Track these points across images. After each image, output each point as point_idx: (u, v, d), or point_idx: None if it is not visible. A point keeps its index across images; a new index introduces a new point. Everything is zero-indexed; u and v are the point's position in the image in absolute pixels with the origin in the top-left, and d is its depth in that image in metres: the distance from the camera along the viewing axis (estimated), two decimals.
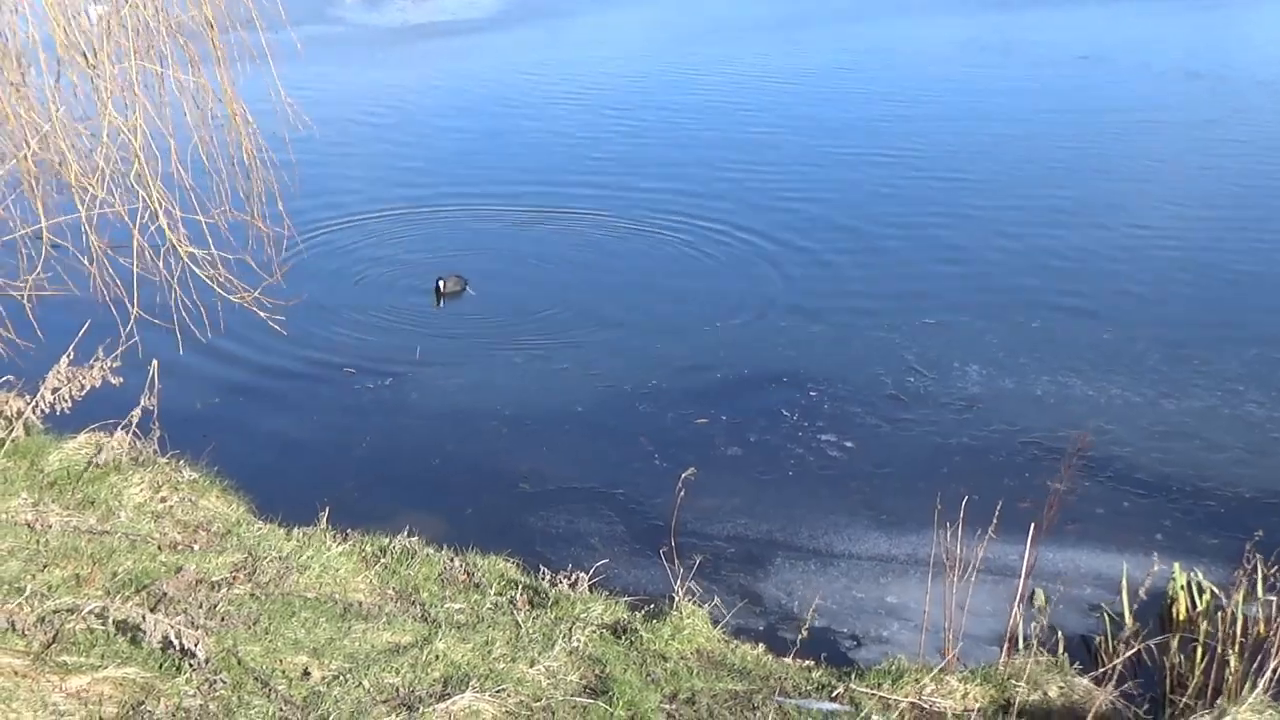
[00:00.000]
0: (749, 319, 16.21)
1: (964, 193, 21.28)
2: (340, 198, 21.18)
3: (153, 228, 7.61)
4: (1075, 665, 8.11)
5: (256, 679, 6.67)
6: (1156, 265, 17.67)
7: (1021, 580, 8.42)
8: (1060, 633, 9.27)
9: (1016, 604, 8.59)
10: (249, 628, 7.32)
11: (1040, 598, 9.68)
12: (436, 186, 22.69)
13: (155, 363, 9.60)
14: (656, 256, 18.77)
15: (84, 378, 9.66)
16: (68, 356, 9.60)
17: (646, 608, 8.49)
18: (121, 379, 9.79)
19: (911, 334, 15.48)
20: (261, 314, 8.33)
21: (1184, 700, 7.63)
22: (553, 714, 6.94)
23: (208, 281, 7.95)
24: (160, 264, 7.74)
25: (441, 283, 16.50)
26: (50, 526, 8.37)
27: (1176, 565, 9.80)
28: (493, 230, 20.40)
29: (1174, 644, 8.64)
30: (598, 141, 25.82)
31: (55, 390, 9.65)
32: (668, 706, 7.21)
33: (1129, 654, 7.86)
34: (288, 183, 8.65)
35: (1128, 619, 9.20)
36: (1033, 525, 8.20)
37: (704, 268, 18.26)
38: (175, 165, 7.85)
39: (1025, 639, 8.48)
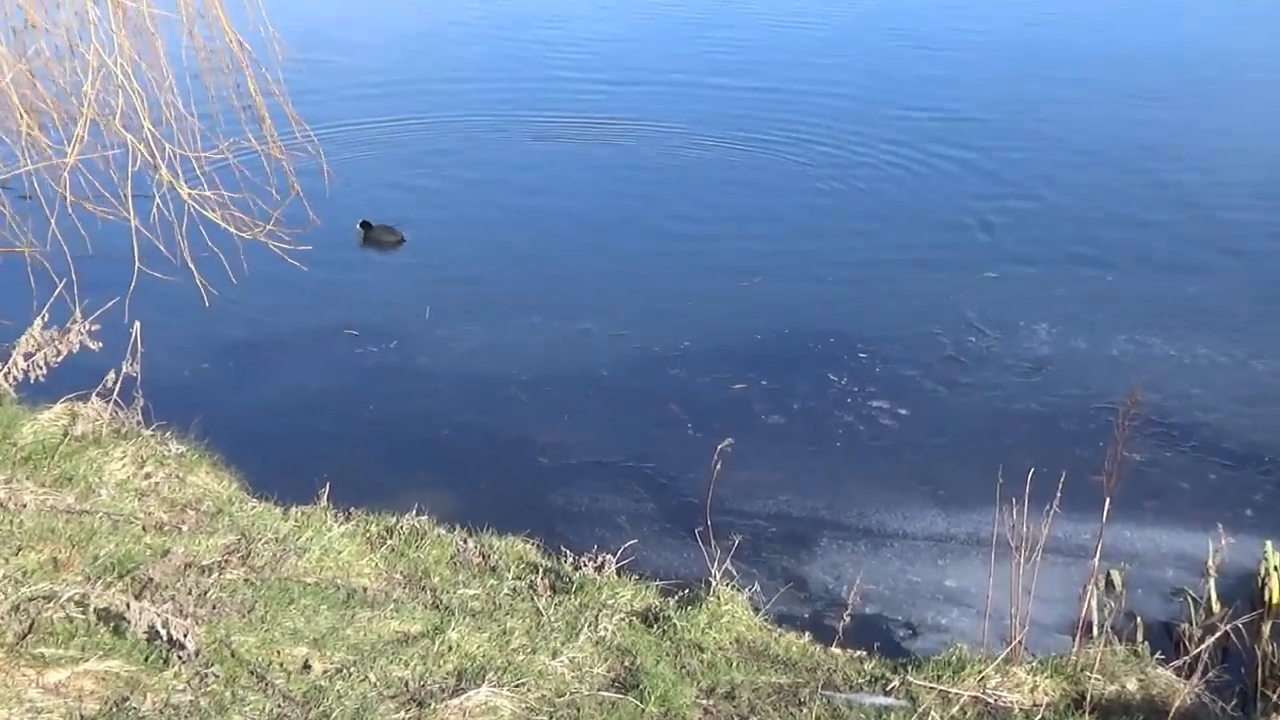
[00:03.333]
0: (792, 272, 16.32)
1: (1032, 130, 21.31)
2: (346, 124, 21.48)
3: (152, 175, 7.54)
4: (1155, 655, 8.15)
5: (252, 672, 6.67)
6: (1247, 213, 17.64)
7: (1095, 561, 8.36)
8: (1139, 619, 9.30)
9: (1089, 587, 8.48)
10: (243, 616, 7.32)
11: (1116, 580, 9.68)
12: (440, 97, 23.26)
13: (138, 325, 9.57)
14: (688, 193, 19.00)
15: (60, 342, 9.60)
16: (41, 319, 9.46)
17: (680, 593, 8.52)
18: (101, 344, 9.74)
19: (973, 288, 15.59)
20: (278, 249, 8.04)
21: (1277, 694, 7.61)
22: (578, 710, 6.95)
23: (220, 223, 7.79)
24: (156, 211, 7.65)
25: (366, 227, 16.56)
26: (25, 506, 8.35)
27: (1269, 544, 9.76)
28: (502, 149, 20.81)
29: (1265, 630, 8.64)
30: (627, 49, 26.22)
31: (28, 356, 9.57)
32: (704, 701, 7.20)
33: (1214, 642, 7.84)
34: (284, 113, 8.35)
35: (1214, 603, 9.22)
36: (1107, 500, 8.13)
37: (741, 212, 18.42)
38: (167, 102, 7.67)
39: (1099, 626, 8.42)
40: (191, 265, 7.72)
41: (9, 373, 9.58)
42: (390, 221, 17.55)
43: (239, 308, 14.38)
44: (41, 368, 9.55)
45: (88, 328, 9.56)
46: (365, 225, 16.91)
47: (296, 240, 8.08)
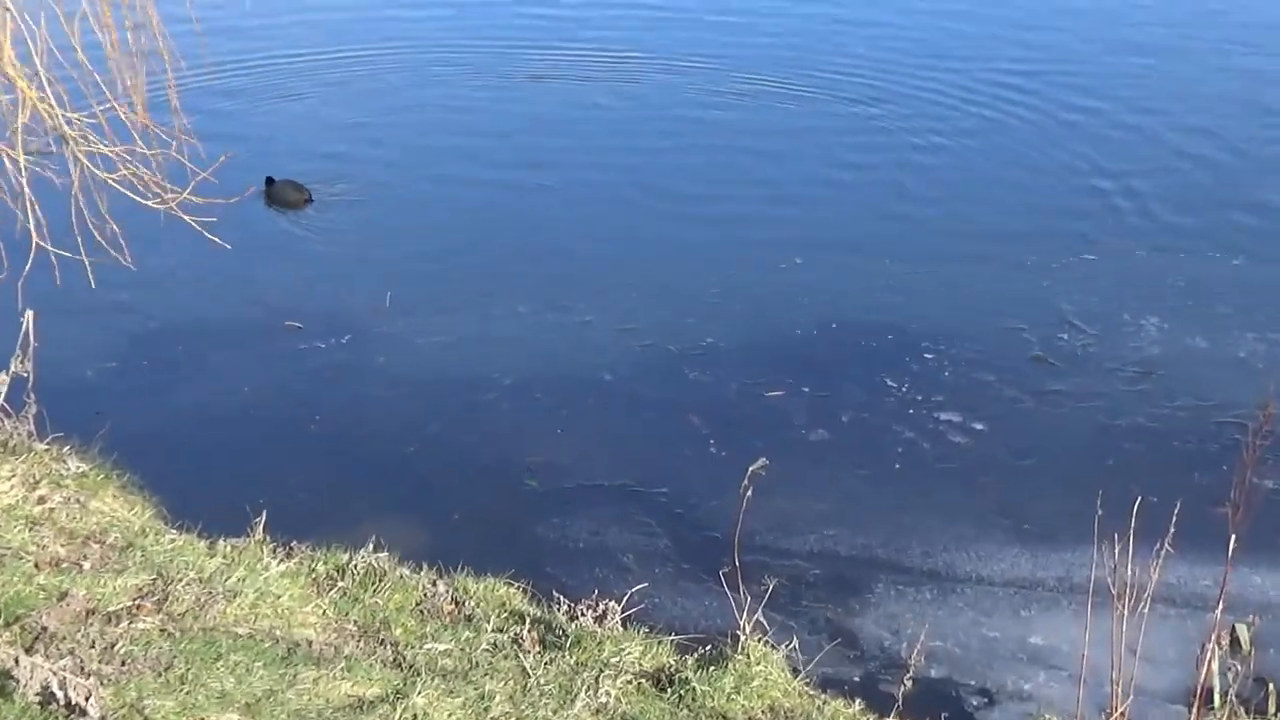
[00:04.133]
0: (842, 253, 16.36)
1: (1150, 88, 21.50)
2: (280, 58, 21.72)
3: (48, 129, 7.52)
4: None
5: None
6: None
7: (1217, 613, 8.32)
8: (1270, 686, 9.30)
9: (1210, 646, 8.31)
10: (159, 675, 7.24)
11: (1243, 637, 9.65)
12: (405, 24, 23.38)
13: (30, 314, 9.49)
14: (716, 153, 19.09)
15: None
16: None
17: (701, 650, 8.60)
18: None
19: (1067, 274, 15.65)
20: (193, 222, 7.90)
21: None
22: None
23: (117, 185, 7.72)
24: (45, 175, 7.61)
25: (270, 184, 16.81)
26: None
27: None
28: (485, 91, 20.87)
29: None
30: None
31: None
32: None
33: None
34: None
35: None
36: (1232, 538, 8.11)
37: (780, 178, 18.47)
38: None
39: (1222, 694, 8.47)
40: (101, 240, 7.67)
41: None
42: (336, 181, 17.77)
43: (155, 293, 14.63)
44: None
45: None
46: (270, 181, 17.00)
47: (222, 210, 8.08)
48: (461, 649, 8.40)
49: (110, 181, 7.43)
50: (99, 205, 7.49)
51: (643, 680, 8.23)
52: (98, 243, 7.68)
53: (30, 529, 8.96)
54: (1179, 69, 22.22)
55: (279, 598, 8.62)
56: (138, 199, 7.43)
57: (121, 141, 7.52)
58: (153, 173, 7.55)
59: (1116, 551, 8.05)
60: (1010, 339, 14.31)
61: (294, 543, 9.45)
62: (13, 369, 9.75)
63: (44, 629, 7.48)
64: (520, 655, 8.40)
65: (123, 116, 7.56)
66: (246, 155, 15.21)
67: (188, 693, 7.21)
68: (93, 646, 7.46)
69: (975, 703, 9.64)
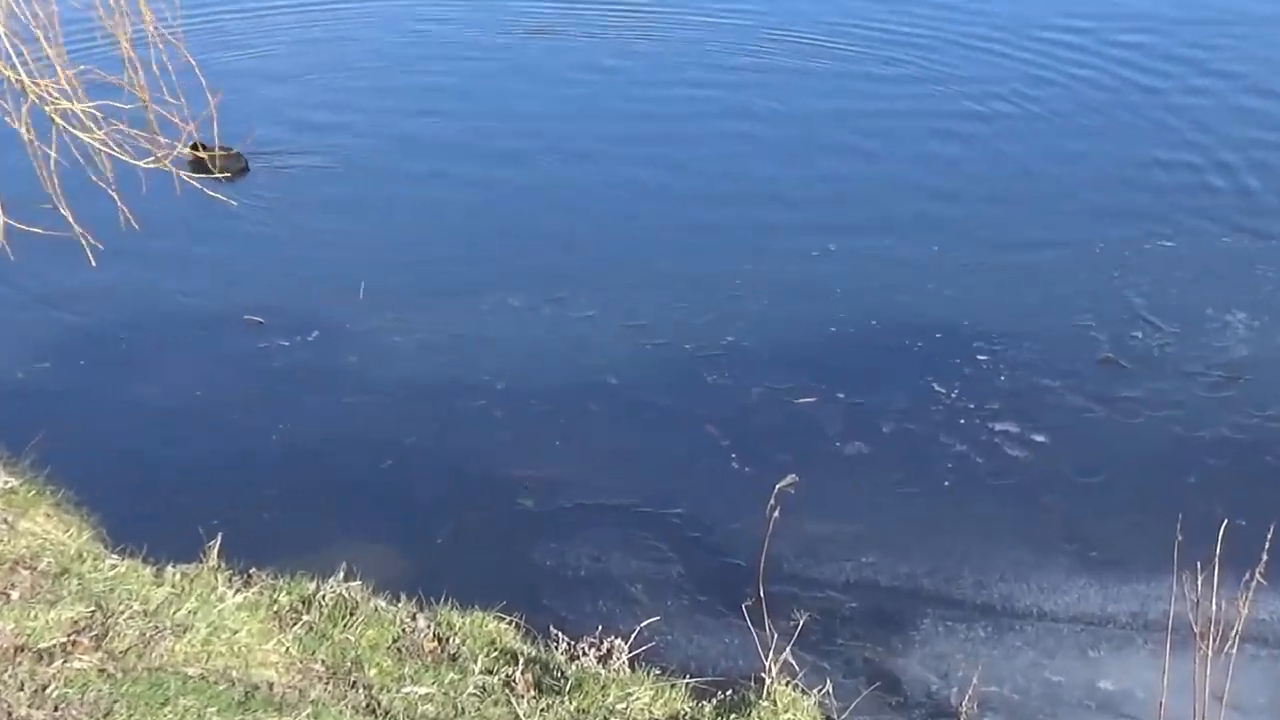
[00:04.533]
0: (880, 237, 16.37)
1: (1232, 51, 21.53)
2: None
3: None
4: None
5: None
6: None
7: None
8: None
9: None
10: None
11: None
12: None
13: None
14: (740, 121, 19.24)
15: None
16: None
17: (720, 695, 8.58)
18: None
19: (1140, 263, 15.61)
20: (194, 181, 8.70)
21: None
22: None
23: (97, 145, 7.77)
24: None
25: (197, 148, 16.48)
26: None
27: None
28: (473, 49, 20.97)
29: None
30: None
31: None
32: None
33: None
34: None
35: None
36: None
37: (812, 152, 18.50)
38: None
39: None
40: (66, 213, 7.77)
41: None
42: (288, 148, 17.81)
43: (93, 281, 13.97)
44: None
45: None
46: (195, 148, 16.84)
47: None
48: (445, 693, 8.34)
49: (89, 141, 7.63)
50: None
51: None
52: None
53: None
54: (1275, 34, 22.21)
55: (235, 633, 8.55)
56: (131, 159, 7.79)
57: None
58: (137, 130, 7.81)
59: (1199, 582, 8.05)
60: (1076, 338, 14.28)
61: (253, 570, 9.44)
62: None
63: None
64: (513, 701, 8.37)
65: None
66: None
67: None
68: (21, 689, 7.36)
69: None
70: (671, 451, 12.93)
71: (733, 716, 8.43)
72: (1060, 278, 15.48)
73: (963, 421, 13.14)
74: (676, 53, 21.28)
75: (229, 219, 16.17)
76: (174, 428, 13.29)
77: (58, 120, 7.59)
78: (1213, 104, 19.52)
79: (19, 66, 7.45)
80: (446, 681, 8.59)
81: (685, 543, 11.67)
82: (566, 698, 8.49)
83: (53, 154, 7.55)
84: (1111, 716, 9.96)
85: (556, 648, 9.15)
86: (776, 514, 9.82)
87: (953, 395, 13.52)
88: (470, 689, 8.52)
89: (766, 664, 8.66)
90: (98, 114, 7.73)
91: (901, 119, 19.28)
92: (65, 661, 7.84)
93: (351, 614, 9.11)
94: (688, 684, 8.92)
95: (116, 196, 7.83)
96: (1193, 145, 18.43)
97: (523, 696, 8.48)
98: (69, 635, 8.19)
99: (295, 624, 8.99)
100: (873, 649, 10.52)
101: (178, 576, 9.18)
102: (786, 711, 8.47)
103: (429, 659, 8.92)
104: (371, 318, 14.93)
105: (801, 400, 13.56)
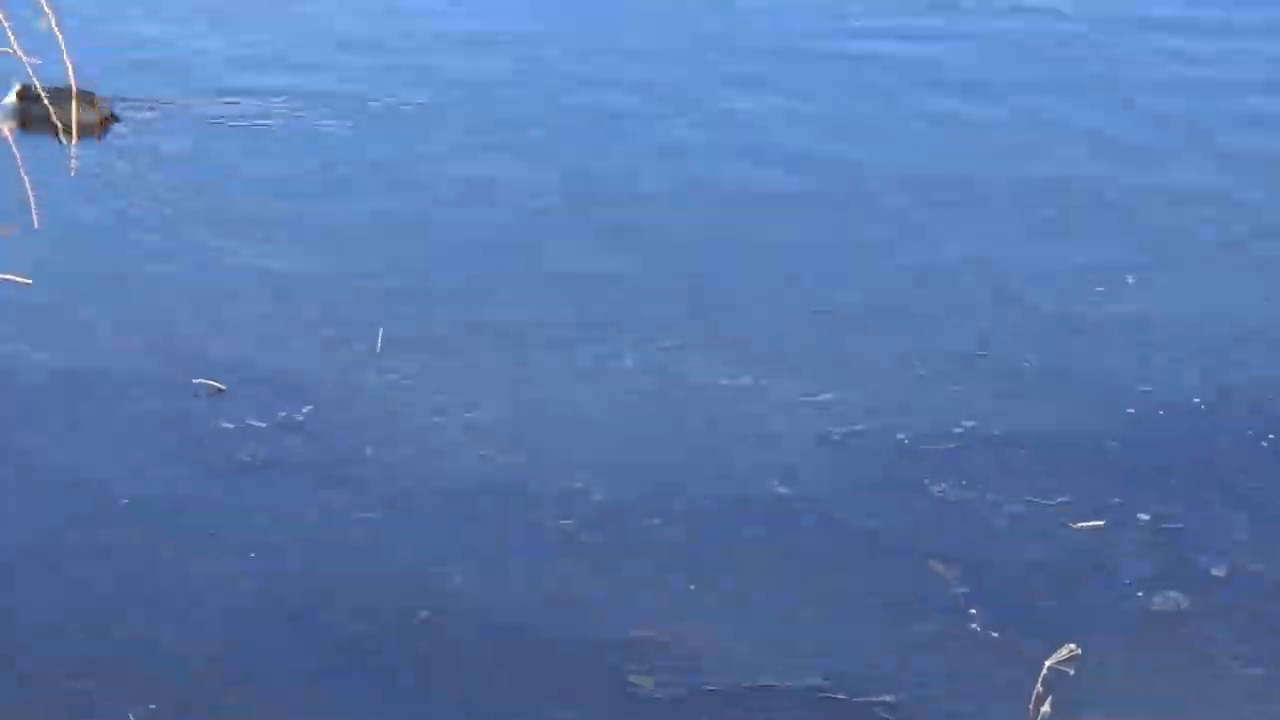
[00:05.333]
0: (1204, 264, 14.51)
1: None
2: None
3: None
4: None
5: None
6: None
7: None
8: None
9: None
10: None
11: None
12: None
13: None
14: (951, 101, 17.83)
15: None
16: None
17: None
18: None
19: None
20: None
21: None
22: None
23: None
24: None
25: (24, 99, 15.10)
26: None
27: None
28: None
29: None
30: None
31: None
32: None
33: None
34: None
35: None
36: None
37: (1091, 122, 17.43)
38: None
39: None
40: None
41: None
42: (233, 94, 16.70)
43: None
44: None
45: None
46: (23, 95, 14.80)
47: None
48: None
49: None
50: None
51: None
52: None
53: None
54: None
55: None
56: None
57: None
58: None
59: None
60: None
61: None
62: None
63: None
64: None
65: None
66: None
67: None
68: None
69: None
70: (874, 603, 10.35)
71: None
72: None
73: None
74: None
75: (103, 201, 14.49)
76: (90, 557, 10.68)
77: None
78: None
79: None
80: None
81: None
82: None
83: None
84: None
85: None
86: (1047, 706, 8.96)
87: None
88: None
89: None
90: None
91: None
92: None
93: None
94: None
95: None
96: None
97: None
98: None
99: None
100: None
101: None
102: None
103: None
104: (393, 381, 12.40)
105: (1080, 525, 10.96)
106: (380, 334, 12.92)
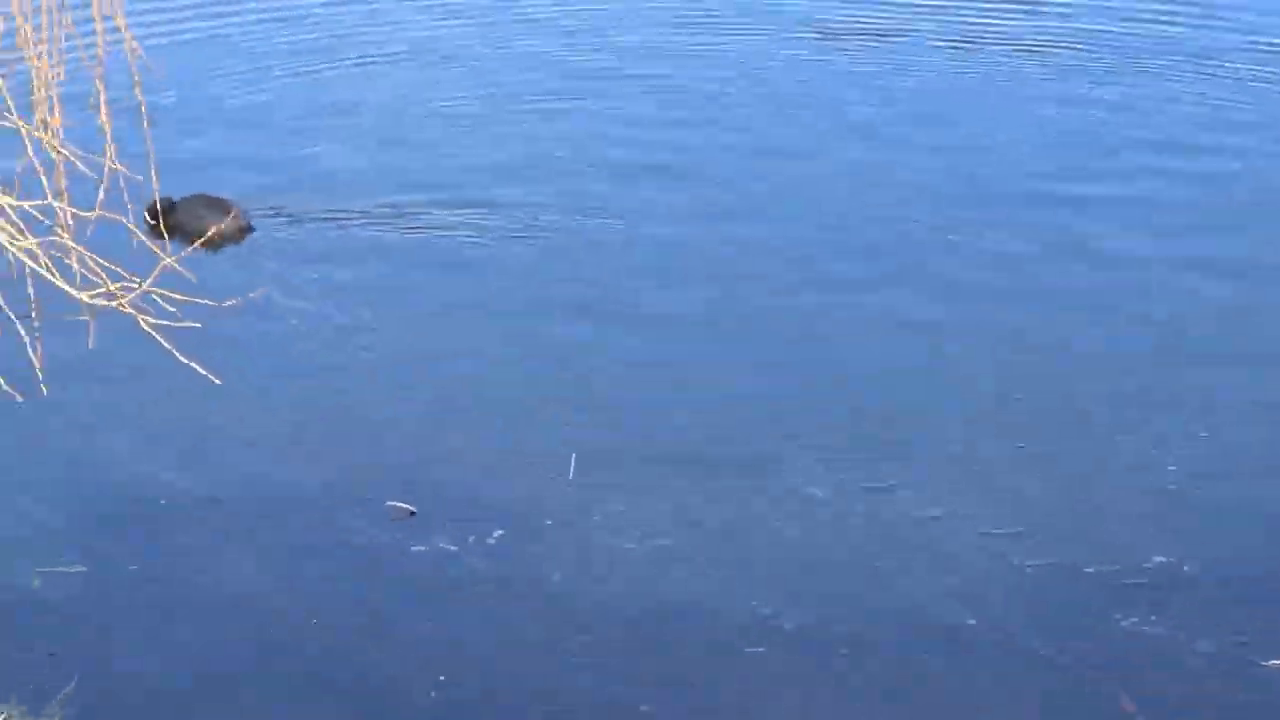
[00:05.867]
0: None
1: None
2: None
3: None
4: None
5: None
6: None
7: None
8: None
9: None
10: None
11: None
12: None
13: None
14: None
15: None
16: None
17: None
18: None
19: None
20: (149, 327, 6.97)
21: None
22: None
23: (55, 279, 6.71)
24: None
25: (159, 215, 13.67)
26: None
27: None
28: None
29: None
30: None
31: None
32: None
33: None
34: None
35: None
36: None
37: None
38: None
39: None
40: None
41: None
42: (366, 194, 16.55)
43: (103, 442, 12.79)
44: None
45: None
46: (159, 210, 13.56)
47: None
48: None
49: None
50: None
51: None
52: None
53: None
54: None
55: None
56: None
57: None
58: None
59: None
60: None
61: None
62: None
63: None
64: None
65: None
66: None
67: None
68: None
69: None
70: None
71: None
72: None
73: None
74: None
75: (264, 320, 14.23)
76: (268, 684, 10.83)
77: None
78: None
79: None
80: None
81: None
82: None
83: None
84: None
85: None
86: None
87: None
88: None
89: None
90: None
91: None
92: None
93: None
94: None
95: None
96: None
97: None
98: None
99: None
100: None
101: None
102: None
103: None
104: (586, 505, 12.34)
105: (1273, 662, 10.81)
106: (573, 461, 12.90)
